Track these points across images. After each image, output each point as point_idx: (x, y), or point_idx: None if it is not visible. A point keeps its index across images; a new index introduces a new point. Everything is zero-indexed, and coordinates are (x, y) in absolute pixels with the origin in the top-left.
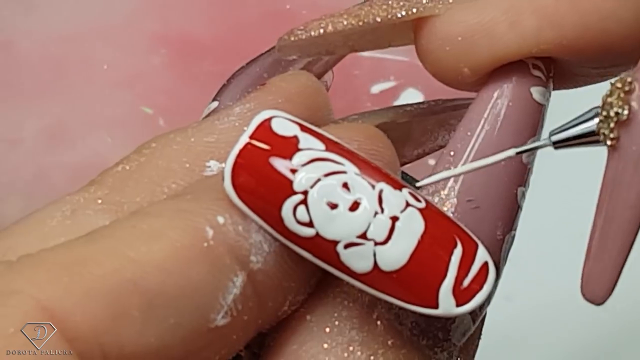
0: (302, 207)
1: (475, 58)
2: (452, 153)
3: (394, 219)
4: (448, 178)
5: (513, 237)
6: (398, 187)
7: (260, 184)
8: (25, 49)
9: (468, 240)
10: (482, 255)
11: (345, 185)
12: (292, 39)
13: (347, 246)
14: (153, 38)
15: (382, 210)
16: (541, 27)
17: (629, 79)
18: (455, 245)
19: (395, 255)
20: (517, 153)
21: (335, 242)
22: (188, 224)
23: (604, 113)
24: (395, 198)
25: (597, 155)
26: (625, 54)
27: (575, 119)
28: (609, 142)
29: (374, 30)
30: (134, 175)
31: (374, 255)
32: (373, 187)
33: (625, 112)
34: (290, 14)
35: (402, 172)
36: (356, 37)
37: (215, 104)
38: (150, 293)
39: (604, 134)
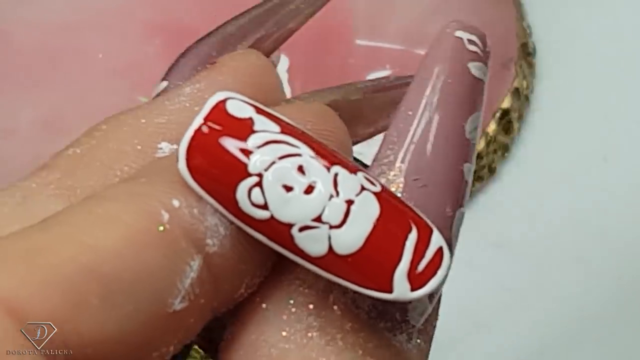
0: (257, 190)
1: None
2: (395, 134)
3: (349, 202)
4: (396, 158)
5: (462, 214)
6: (353, 170)
7: (214, 165)
8: (20, 38)
9: (423, 225)
10: (437, 240)
11: (300, 168)
12: None
13: (301, 229)
14: (148, 27)
15: (337, 194)
16: None
17: None
18: (410, 230)
19: (350, 238)
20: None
21: (290, 225)
22: (143, 207)
23: None
24: (350, 181)
25: None
26: None
27: None
28: None
29: None
30: (85, 158)
31: (329, 238)
32: (328, 170)
33: None
34: None
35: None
36: None
37: (165, 83)
38: (108, 279)
39: None
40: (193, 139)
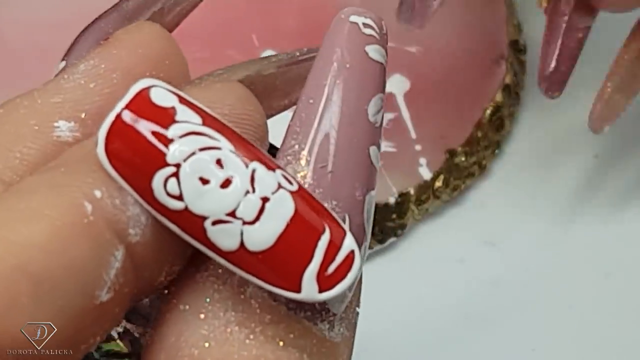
0: (173, 180)
1: None
2: (298, 123)
3: (265, 199)
4: (302, 148)
5: (373, 197)
6: (272, 167)
7: (133, 152)
8: (11, 35)
9: (336, 227)
10: (349, 244)
11: (218, 161)
12: None
13: (215, 223)
14: None
15: (254, 190)
16: None
17: None
18: (323, 232)
19: (262, 236)
20: None
21: (204, 218)
22: (66, 200)
23: None
24: (268, 178)
25: None
26: None
27: None
28: None
29: None
30: None
31: (241, 234)
32: (247, 165)
33: None
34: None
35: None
36: None
37: (63, 64)
38: (37, 277)
39: None
40: (113, 124)
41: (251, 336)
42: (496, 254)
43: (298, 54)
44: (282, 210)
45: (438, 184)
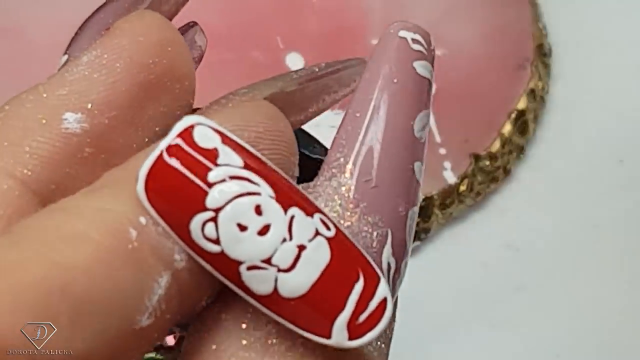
0: (211, 224)
1: None
2: (344, 136)
3: (301, 247)
4: (347, 161)
5: (416, 213)
6: (310, 212)
7: (173, 194)
8: (35, 36)
9: (371, 273)
10: (383, 290)
11: (257, 207)
12: None
13: (250, 268)
14: None
15: (291, 238)
16: None
17: None
18: (357, 280)
19: (296, 283)
20: None
21: (239, 263)
22: (111, 225)
23: None
24: (305, 225)
25: None
26: None
27: None
28: None
29: None
30: None
31: (276, 280)
32: (285, 212)
33: None
34: (301, 2)
35: (307, 135)
36: None
37: (65, 57)
38: (78, 299)
39: None
40: (155, 163)
41: (292, 349)
42: (520, 258)
43: (317, 69)
44: (317, 258)
45: (462, 188)
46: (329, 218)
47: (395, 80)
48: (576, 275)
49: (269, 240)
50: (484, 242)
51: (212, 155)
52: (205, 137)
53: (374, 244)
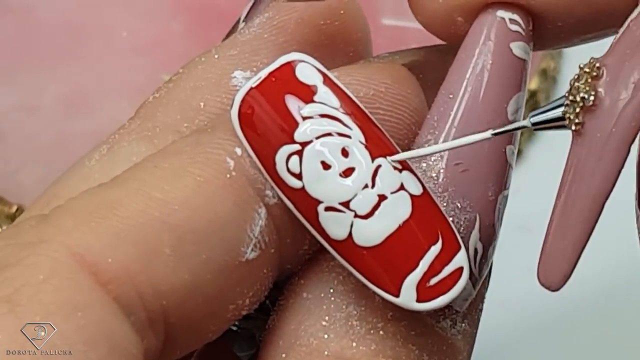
0: (295, 158)
1: (468, 5)
2: (435, 118)
3: (382, 197)
4: (437, 142)
5: (506, 197)
6: (399, 168)
7: (264, 122)
8: (45, 15)
9: (452, 240)
10: (461, 259)
11: (344, 150)
12: None
13: (327, 209)
14: (173, 5)
15: (373, 185)
16: None
17: (597, 64)
18: (435, 242)
19: (371, 232)
20: (494, 134)
21: (318, 202)
22: (209, 157)
23: (571, 97)
24: (390, 177)
25: None
26: (612, 17)
27: (554, 101)
28: (573, 127)
29: None
30: (164, 100)
31: (351, 225)
32: (372, 160)
33: (592, 97)
34: None
35: None
36: None
37: (243, 24)
38: (180, 230)
39: (569, 118)
40: (252, 89)
41: (372, 331)
42: (531, 239)
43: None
44: (397, 211)
45: None
46: (418, 178)
47: (490, 62)
48: (588, 254)
49: (351, 183)
50: None
51: (310, 91)
52: (308, 74)
53: (462, 229)
